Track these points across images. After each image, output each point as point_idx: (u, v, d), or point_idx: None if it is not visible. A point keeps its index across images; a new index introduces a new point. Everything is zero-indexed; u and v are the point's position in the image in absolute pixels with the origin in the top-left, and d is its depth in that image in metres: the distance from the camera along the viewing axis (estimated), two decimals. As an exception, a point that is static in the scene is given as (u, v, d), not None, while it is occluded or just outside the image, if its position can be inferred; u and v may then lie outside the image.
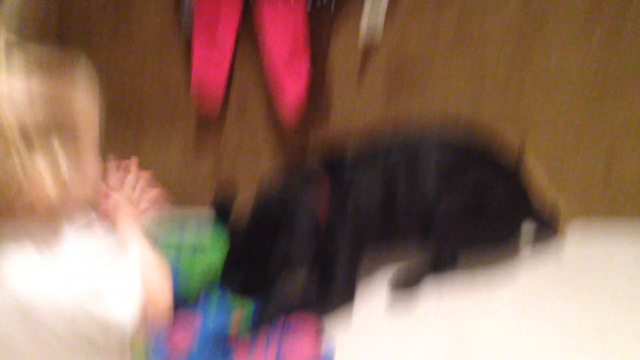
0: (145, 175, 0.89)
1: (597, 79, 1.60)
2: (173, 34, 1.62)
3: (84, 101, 0.69)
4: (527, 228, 1.64)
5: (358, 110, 1.69)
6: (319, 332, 1.37)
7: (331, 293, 1.48)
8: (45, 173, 0.63)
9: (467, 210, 1.52)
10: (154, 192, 0.89)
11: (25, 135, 0.60)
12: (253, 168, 1.79)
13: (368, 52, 1.60)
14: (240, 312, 1.38)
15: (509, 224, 1.61)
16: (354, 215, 1.48)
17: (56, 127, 0.64)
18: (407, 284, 1.56)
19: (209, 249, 1.53)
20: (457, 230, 1.55)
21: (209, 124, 1.73)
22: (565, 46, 1.58)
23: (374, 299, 1.52)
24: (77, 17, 1.60)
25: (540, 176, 1.66)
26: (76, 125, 0.66)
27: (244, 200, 1.49)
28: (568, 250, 1.66)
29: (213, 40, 1.58)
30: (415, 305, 1.50)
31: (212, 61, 1.61)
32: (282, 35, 1.55)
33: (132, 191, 0.87)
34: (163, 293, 0.76)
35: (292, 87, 1.62)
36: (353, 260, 1.51)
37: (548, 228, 1.67)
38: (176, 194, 1.77)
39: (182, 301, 1.38)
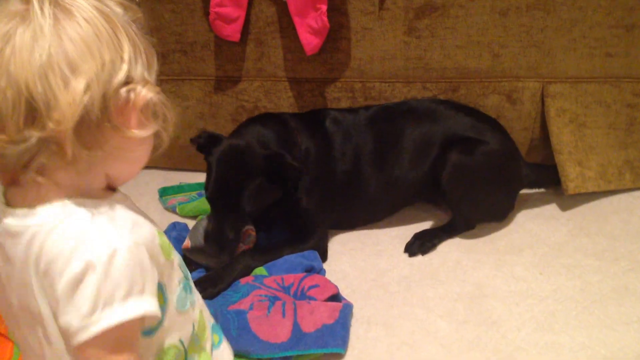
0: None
1: (622, 20, 1.56)
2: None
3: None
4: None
5: (377, 54, 1.68)
6: (334, 297, 1.38)
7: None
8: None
9: (472, 176, 1.54)
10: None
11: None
12: (272, 102, 1.80)
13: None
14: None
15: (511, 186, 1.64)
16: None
17: None
18: (423, 249, 1.57)
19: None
20: (465, 196, 1.58)
21: (229, 56, 1.74)
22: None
23: (387, 261, 1.53)
24: None
25: (559, 133, 1.65)
26: None
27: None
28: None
29: None
30: (432, 266, 1.52)
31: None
32: None
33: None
34: None
35: (306, 37, 1.62)
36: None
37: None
38: (197, 128, 1.84)
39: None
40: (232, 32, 1.66)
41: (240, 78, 1.77)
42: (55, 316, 0.72)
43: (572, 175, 1.64)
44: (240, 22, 1.65)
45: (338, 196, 1.58)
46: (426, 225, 1.67)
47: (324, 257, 1.55)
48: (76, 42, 0.66)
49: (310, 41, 1.62)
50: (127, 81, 0.70)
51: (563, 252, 1.55)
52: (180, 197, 1.81)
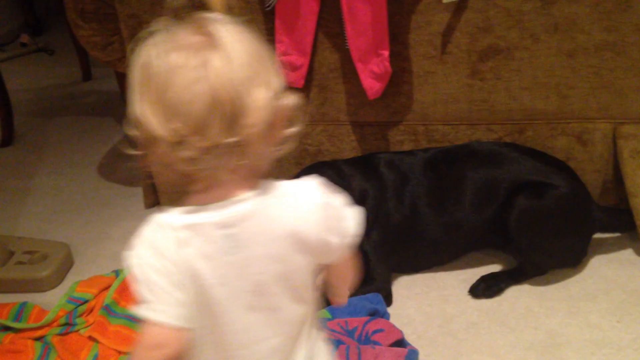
0: None
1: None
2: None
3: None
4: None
5: (440, 97, 1.68)
6: (399, 342, 1.36)
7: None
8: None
9: (541, 221, 1.51)
10: None
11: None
12: (335, 145, 1.82)
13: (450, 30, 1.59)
14: None
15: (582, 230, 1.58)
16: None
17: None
18: (489, 292, 1.54)
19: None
20: (534, 242, 1.53)
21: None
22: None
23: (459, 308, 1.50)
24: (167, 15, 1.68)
25: (634, 175, 1.59)
26: None
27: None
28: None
29: (293, 27, 1.63)
30: (501, 312, 1.48)
31: (293, 47, 1.66)
32: (362, 26, 1.57)
33: None
34: None
35: (368, 82, 1.63)
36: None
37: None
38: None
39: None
40: (296, 78, 1.71)
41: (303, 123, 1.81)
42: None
43: (648, 218, 1.57)
44: (305, 69, 1.70)
45: (397, 238, 1.57)
46: (494, 268, 1.63)
47: (388, 300, 1.53)
48: (253, 57, 0.80)
49: (372, 86, 1.65)
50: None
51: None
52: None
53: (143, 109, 0.78)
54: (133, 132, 0.80)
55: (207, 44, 0.79)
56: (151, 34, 0.82)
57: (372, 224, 1.52)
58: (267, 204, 0.83)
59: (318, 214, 0.85)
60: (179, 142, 0.77)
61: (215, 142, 0.77)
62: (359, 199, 1.51)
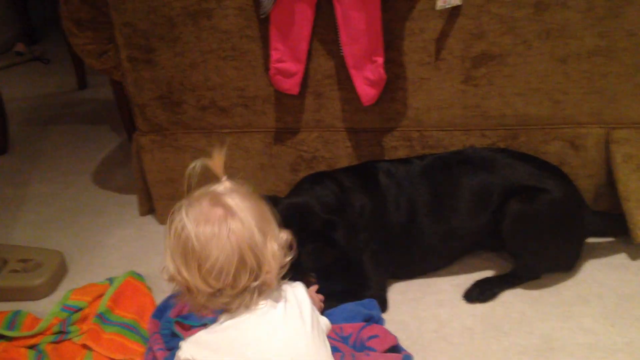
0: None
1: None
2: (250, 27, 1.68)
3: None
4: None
5: (434, 103, 1.69)
6: (394, 348, 1.35)
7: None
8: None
9: (533, 226, 1.52)
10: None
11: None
12: (331, 152, 1.82)
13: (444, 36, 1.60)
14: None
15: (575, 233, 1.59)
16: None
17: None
18: (483, 297, 1.54)
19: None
20: (527, 246, 1.54)
21: (288, 109, 1.78)
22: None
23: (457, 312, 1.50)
24: (162, 23, 1.70)
25: (626, 180, 1.60)
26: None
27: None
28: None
29: (288, 34, 1.63)
30: (495, 317, 1.48)
31: (288, 55, 1.66)
32: (356, 33, 1.57)
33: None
34: None
35: (363, 89, 1.64)
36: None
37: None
38: (257, 179, 1.89)
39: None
40: (291, 85, 1.72)
41: (299, 129, 1.82)
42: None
43: (641, 223, 1.58)
44: (299, 76, 1.70)
45: (396, 247, 1.57)
46: (488, 273, 1.63)
47: (383, 307, 1.53)
48: (259, 217, 1.05)
49: (367, 92, 1.65)
50: None
51: (635, 303, 1.48)
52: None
53: (189, 272, 1.01)
54: (170, 281, 1.05)
55: (227, 214, 1.02)
56: (180, 207, 1.04)
57: (371, 234, 1.53)
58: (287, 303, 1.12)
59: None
60: (216, 293, 1.02)
61: (244, 287, 1.02)
62: (359, 212, 1.53)
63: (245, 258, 1.01)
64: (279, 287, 1.12)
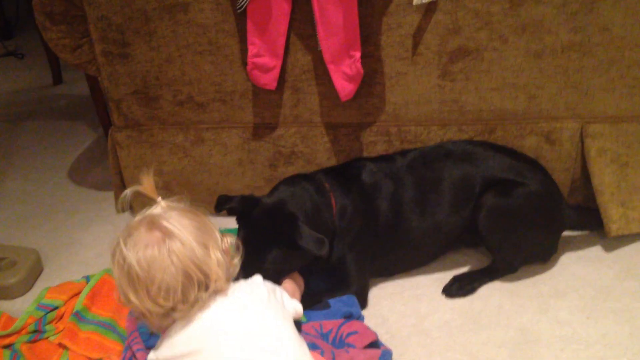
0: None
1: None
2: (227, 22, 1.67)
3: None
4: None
5: (412, 98, 1.69)
6: (373, 343, 1.36)
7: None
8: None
9: (509, 219, 1.53)
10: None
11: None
12: (309, 147, 1.82)
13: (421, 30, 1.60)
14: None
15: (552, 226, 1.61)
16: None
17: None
18: (462, 291, 1.55)
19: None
20: (504, 239, 1.55)
21: (266, 104, 1.77)
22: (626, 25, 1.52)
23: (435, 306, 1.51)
24: (137, 17, 1.68)
25: (601, 174, 1.63)
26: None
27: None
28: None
29: (265, 29, 1.62)
30: (473, 311, 1.49)
31: (265, 49, 1.65)
32: (334, 28, 1.57)
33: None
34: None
35: (341, 83, 1.64)
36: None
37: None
38: (235, 174, 1.87)
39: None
40: (269, 80, 1.71)
41: (277, 125, 1.81)
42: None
43: (614, 216, 1.60)
44: (277, 71, 1.69)
45: (380, 246, 1.57)
46: (467, 268, 1.65)
47: (363, 304, 1.54)
48: (198, 231, 1.09)
49: (344, 87, 1.65)
50: None
51: (610, 295, 1.50)
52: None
53: (138, 298, 1.04)
54: (129, 306, 1.07)
55: (164, 236, 1.06)
56: (118, 241, 1.07)
57: (354, 235, 1.52)
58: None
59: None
60: (169, 311, 1.05)
61: (196, 299, 1.06)
62: (339, 214, 1.51)
63: (190, 274, 1.05)
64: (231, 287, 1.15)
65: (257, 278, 1.21)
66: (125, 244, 1.06)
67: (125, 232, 1.09)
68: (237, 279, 1.18)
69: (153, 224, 1.08)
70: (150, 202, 1.16)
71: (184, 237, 1.06)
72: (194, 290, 1.06)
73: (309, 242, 1.33)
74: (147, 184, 1.15)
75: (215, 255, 1.09)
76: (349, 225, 1.51)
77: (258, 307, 1.13)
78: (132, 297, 1.05)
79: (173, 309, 1.06)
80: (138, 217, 1.11)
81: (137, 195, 1.17)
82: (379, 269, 1.62)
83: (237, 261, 1.17)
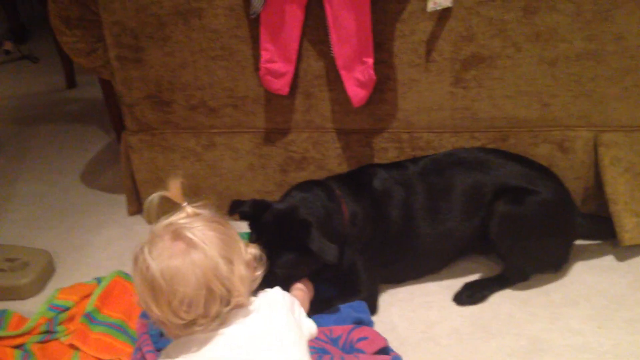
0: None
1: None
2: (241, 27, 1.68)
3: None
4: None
5: (424, 105, 1.69)
6: (383, 350, 1.35)
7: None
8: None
9: (521, 226, 1.52)
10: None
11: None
12: (320, 152, 1.82)
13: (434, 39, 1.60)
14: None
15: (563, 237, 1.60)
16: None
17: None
18: (473, 299, 1.55)
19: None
20: (515, 247, 1.55)
21: (278, 109, 1.78)
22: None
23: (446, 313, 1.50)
24: (151, 22, 1.70)
25: (614, 183, 1.61)
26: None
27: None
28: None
29: (278, 35, 1.63)
30: (483, 319, 1.48)
31: (278, 55, 1.66)
32: (346, 34, 1.58)
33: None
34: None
35: (353, 90, 1.64)
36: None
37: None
38: (247, 179, 1.89)
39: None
40: (281, 86, 1.71)
41: (289, 130, 1.81)
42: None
43: (628, 226, 1.59)
44: (289, 76, 1.70)
45: (391, 253, 1.57)
46: (477, 276, 1.64)
47: (373, 310, 1.53)
48: (223, 244, 1.05)
49: (357, 93, 1.65)
50: None
51: (623, 305, 1.49)
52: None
53: (160, 309, 1.02)
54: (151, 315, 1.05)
55: (189, 247, 1.03)
56: (142, 247, 1.05)
57: (364, 242, 1.52)
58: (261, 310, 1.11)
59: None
60: (189, 324, 1.03)
61: (217, 313, 1.04)
62: (350, 221, 1.51)
63: (212, 288, 1.03)
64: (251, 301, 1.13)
65: (277, 294, 1.17)
66: (150, 252, 1.04)
67: (149, 240, 1.07)
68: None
69: (178, 234, 1.05)
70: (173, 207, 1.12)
71: (208, 249, 1.04)
72: (215, 305, 1.03)
73: (320, 248, 1.33)
74: (174, 189, 1.11)
75: (239, 270, 1.06)
76: (359, 232, 1.51)
77: (277, 330, 1.10)
78: (154, 307, 1.03)
79: (194, 322, 1.04)
80: (163, 224, 1.08)
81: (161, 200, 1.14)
82: (389, 276, 1.62)
83: (259, 273, 1.13)
